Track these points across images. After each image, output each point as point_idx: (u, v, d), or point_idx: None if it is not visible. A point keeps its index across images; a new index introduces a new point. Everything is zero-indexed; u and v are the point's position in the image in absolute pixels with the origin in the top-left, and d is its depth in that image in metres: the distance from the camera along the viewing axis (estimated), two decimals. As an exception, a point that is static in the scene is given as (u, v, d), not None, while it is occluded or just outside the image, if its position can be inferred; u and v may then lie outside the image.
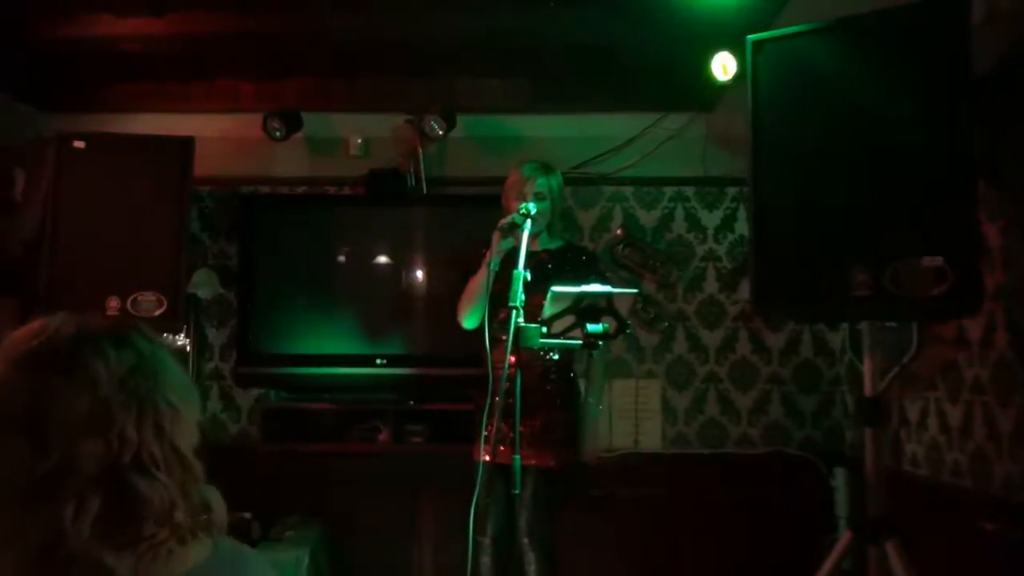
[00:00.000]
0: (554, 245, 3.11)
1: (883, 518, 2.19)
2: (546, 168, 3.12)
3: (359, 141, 4.16)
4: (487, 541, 2.83)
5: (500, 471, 2.69)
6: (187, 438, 0.96)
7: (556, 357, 2.97)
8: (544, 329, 2.34)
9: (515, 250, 2.70)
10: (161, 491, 0.90)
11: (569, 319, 2.36)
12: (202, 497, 0.96)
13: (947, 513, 2.83)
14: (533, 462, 2.81)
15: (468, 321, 3.02)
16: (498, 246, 2.76)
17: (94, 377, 0.89)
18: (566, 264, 3.03)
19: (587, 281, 2.93)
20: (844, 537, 2.24)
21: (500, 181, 4.06)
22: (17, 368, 0.89)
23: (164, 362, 0.97)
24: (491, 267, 2.73)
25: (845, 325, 3.64)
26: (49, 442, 0.86)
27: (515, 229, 2.71)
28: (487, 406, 2.75)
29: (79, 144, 3.29)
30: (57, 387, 0.88)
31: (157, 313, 3.23)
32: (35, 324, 0.94)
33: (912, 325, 2.88)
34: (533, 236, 2.91)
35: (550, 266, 3.01)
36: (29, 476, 0.85)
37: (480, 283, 2.93)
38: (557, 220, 3.14)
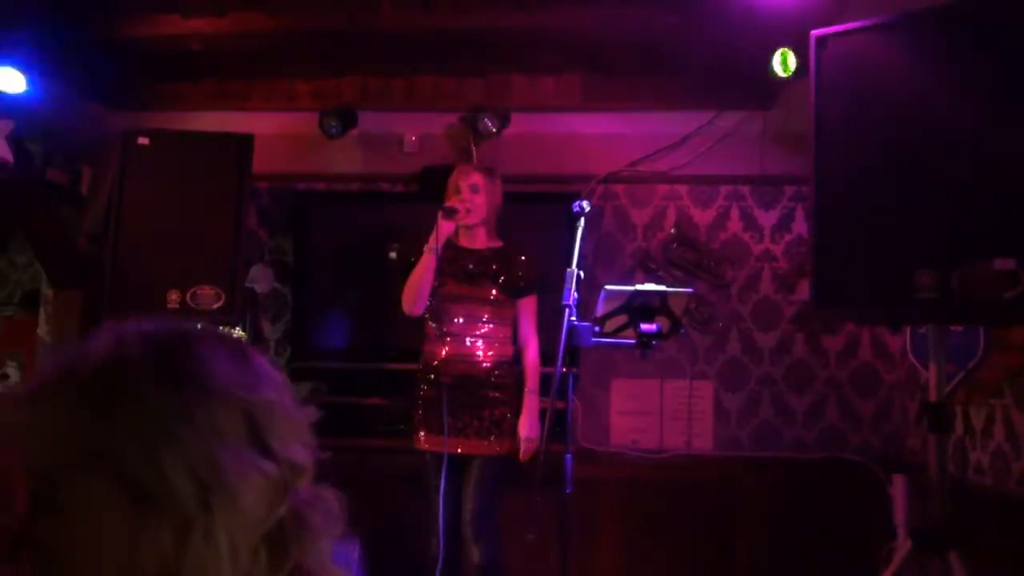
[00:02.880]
0: (495, 243, 3.15)
1: (946, 527, 2.12)
2: (487, 168, 3.23)
3: (413, 138, 4.19)
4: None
5: (450, 461, 2.88)
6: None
7: (497, 353, 3.02)
8: (597, 328, 2.33)
9: (446, 241, 2.98)
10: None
11: (622, 318, 2.34)
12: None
13: (1013, 523, 2.74)
14: (480, 452, 2.90)
15: (415, 308, 3.04)
16: (441, 230, 2.92)
17: (284, 386, 0.81)
18: (506, 261, 3.07)
19: (523, 280, 3.00)
20: (904, 546, 2.18)
21: (553, 179, 4.09)
22: (224, 393, 0.74)
23: None
24: (433, 252, 2.92)
25: (906, 329, 3.56)
26: (280, 463, 0.75)
27: (454, 213, 2.92)
28: (419, 397, 2.96)
29: (143, 141, 3.38)
30: (275, 404, 0.77)
31: (215, 306, 3.31)
32: (165, 333, 0.78)
33: (978, 330, 2.80)
34: (472, 232, 3.06)
35: (493, 264, 3.06)
36: (280, 504, 0.74)
37: (426, 268, 2.98)
38: (494, 218, 3.16)
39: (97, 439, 0.69)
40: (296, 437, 0.77)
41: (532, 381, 3.01)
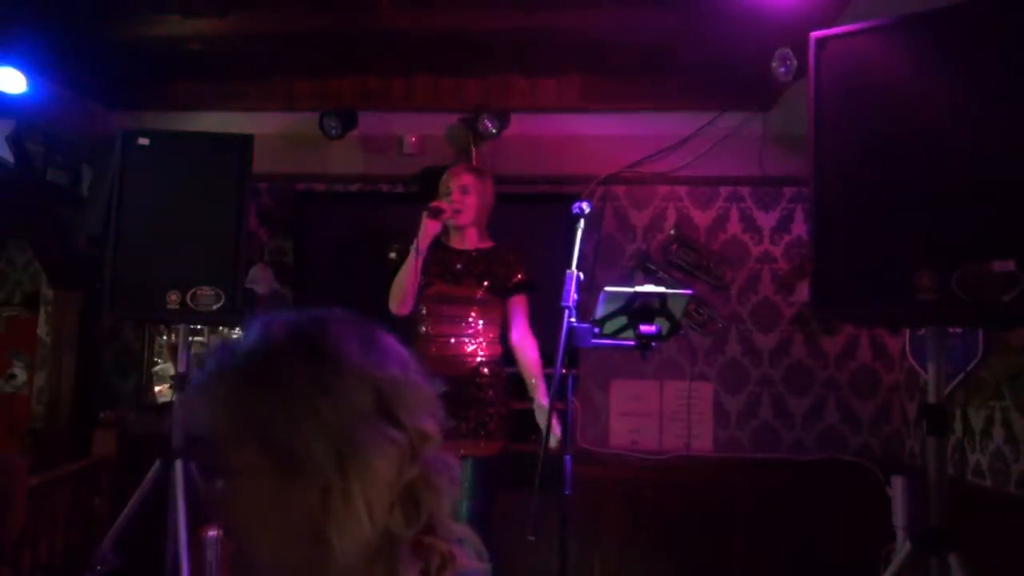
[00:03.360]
0: (485, 244, 3.13)
1: (946, 529, 2.12)
2: (477, 170, 3.21)
3: (413, 139, 4.19)
4: None
5: None
6: None
7: (486, 354, 3.00)
8: (596, 330, 2.33)
9: (435, 241, 2.98)
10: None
11: (621, 319, 2.34)
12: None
13: (1012, 525, 2.74)
14: (470, 453, 2.87)
15: (401, 308, 3.03)
16: (426, 230, 2.91)
17: (412, 363, 0.91)
18: (494, 262, 3.06)
19: (510, 279, 3.00)
20: (904, 548, 2.18)
21: (552, 180, 4.10)
22: (355, 372, 0.84)
23: None
24: (418, 251, 2.92)
25: (905, 330, 3.56)
26: (408, 431, 0.84)
27: (439, 213, 2.90)
28: None
29: (143, 141, 3.37)
30: (400, 380, 0.87)
31: (215, 307, 3.30)
32: (306, 320, 0.89)
33: (978, 331, 2.80)
34: (464, 232, 3.05)
35: (481, 265, 3.05)
36: (409, 467, 0.84)
37: (411, 268, 2.98)
38: (485, 219, 3.14)
39: (249, 412, 0.81)
40: (423, 408, 0.87)
41: (538, 375, 2.97)
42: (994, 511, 2.84)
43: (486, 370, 2.99)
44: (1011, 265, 1.90)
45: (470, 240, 3.11)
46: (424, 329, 3.05)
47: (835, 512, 3.75)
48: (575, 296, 2.32)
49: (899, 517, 3.54)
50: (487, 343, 3.03)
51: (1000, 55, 1.97)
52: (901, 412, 3.94)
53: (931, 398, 2.20)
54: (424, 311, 3.06)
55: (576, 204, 2.42)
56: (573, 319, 2.31)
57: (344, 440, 0.80)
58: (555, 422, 2.76)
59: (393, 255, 4.14)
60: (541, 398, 2.92)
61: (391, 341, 0.90)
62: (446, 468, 0.87)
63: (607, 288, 2.32)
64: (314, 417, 0.80)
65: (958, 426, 3.16)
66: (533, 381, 2.96)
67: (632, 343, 2.33)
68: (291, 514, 0.80)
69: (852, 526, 3.68)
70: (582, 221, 2.42)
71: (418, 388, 0.88)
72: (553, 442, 2.76)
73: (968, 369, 2.78)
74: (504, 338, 3.11)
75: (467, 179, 3.07)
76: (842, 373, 4.02)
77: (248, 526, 0.82)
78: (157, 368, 4.35)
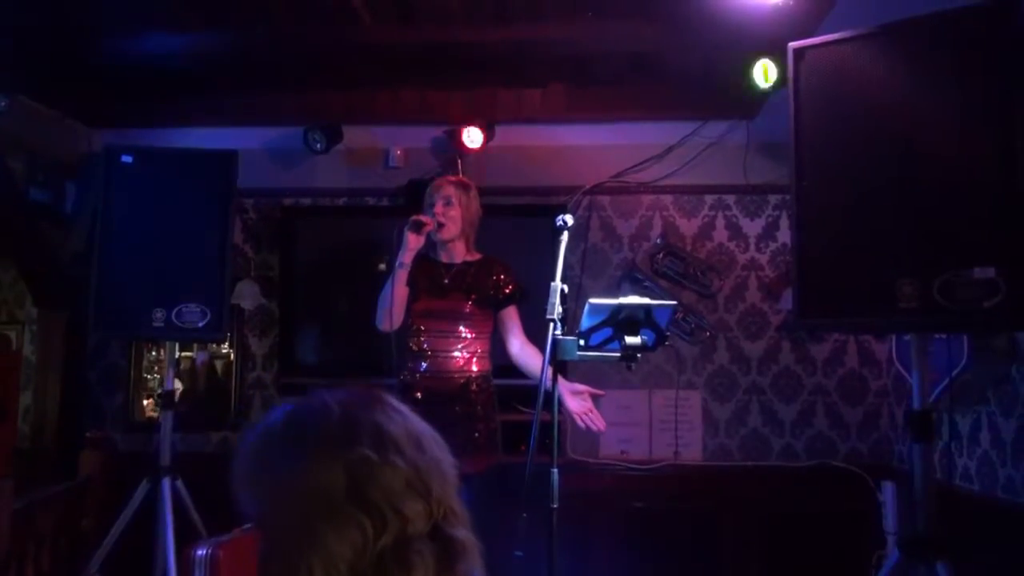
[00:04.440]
0: (472, 257, 3.11)
1: (933, 537, 2.12)
2: (462, 182, 3.16)
3: (399, 152, 4.19)
4: None
5: None
6: (455, 484, 1.01)
7: (476, 368, 2.98)
8: (581, 342, 2.33)
9: (422, 255, 2.97)
10: (468, 538, 0.95)
11: (607, 331, 2.33)
12: None
13: (1000, 530, 2.74)
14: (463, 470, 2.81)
15: (386, 324, 2.98)
16: (408, 244, 2.89)
17: (398, 443, 0.92)
18: (481, 275, 3.04)
19: (499, 292, 2.99)
20: (892, 557, 2.18)
21: (538, 191, 4.10)
22: (324, 453, 0.89)
23: (418, 418, 1.01)
24: (401, 266, 2.90)
25: (892, 335, 3.57)
26: (383, 514, 0.87)
27: (421, 227, 2.88)
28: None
29: (127, 158, 3.37)
30: (373, 461, 0.89)
31: (201, 324, 3.29)
32: (287, 408, 0.96)
33: (963, 336, 2.81)
34: (450, 246, 3.03)
35: (468, 278, 3.03)
36: (372, 553, 0.86)
37: (395, 283, 2.95)
38: (471, 232, 3.12)
39: (243, 478, 0.92)
40: (403, 492, 0.90)
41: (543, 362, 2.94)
42: (982, 516, 2.85)
43: (475, 386, 2.97)
44: (991, 272, 1.91)
45: (457, 253, 3.09)
46: (413, 345, 3.04)
47: (826, 519, 3.75)
48: (559, 308, 2.31)
49: (889, 523, 3.55)
50: (477, 358, 3.01)
51: (976, 63, 1.99)
52: (890, 417, 3.95)
53: (916, 405, 2.21)
54: (413, 326, 3.04)
55: (559, 217, 2.42)
56: (558, 332, 2.31)
57: (300, 519, 0.86)
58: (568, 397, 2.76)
59: (383, 267, 4.14)
60: (562, 394, 2.84)
61: (424, 429, 0.97)
62: (424, 552, 0.89)
63: (591, 300, 2.31)
64: (281, 494, 0.88)
65: (945, 431, 3.17)
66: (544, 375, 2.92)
67: (617, 355, 2.33)
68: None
69: (843, 532, 3.67)
70: (565, 234, 2.42)
71: (398, 472, 0.90)
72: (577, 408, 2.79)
73: (954, 374, 2.78)
74: (494, 353, 3.10)
75: (450, 191, 3.05)
76: (830, 379, 4.03)
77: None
78: (149, 382, 4.33)
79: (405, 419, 0.96)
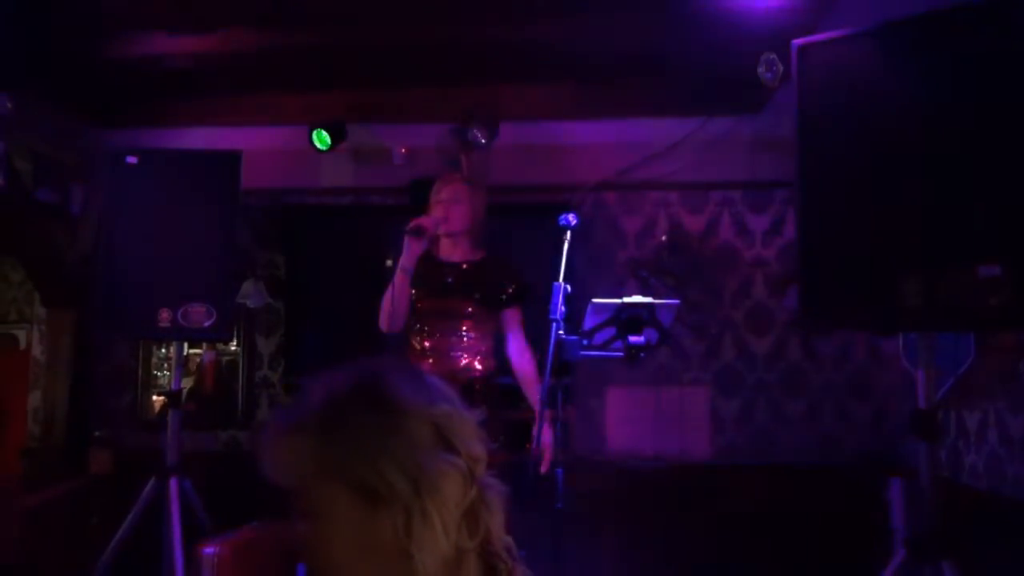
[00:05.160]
0: (476, 256, 3.09)
1: (939, 536, 2.11)
2: (469, 180, 3.14)
3: (403, 151, 4.19)
4: None
5: None
6: None
7: (479, 367, 2.97)
8: (585, 341, 2.32)
9: (426, 254, 2.95)
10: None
11: (610, 330, 2.33)
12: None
13: (1008, 527, 2.73)
14: None
15: (392, 327, 2.99)
16: (409, 249, 2.87)
17: (448, 396, 1.01)
18: (484, 274, 3.02)
19: (503, 292, 2.97)
20: (899, 554, 2.17)
21: (543, 188, 4.09)
22: (414, 410, 0.96)
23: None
24: (403, 271, 2.89)
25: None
26: (465, 457, 0.96)
27: (422, 232, 2.86)
28: None
29: (132, 160, 3.38)
30: (451, 412, 0.98)
31: (207, 324, 3.29)
32: (344, 374, 1.00)
33: (970, 334, 2.79)
34: (455, 244, 3.01)
35: (471, 278, 3.01)
36: (470, 491, 0.96)
37: (398, 287, 2.95)
38: (477, 230, 3.10)
39: (330, 458, 0.93)
40: (471, 435, 0.99)
41: (537, 392, 2.92)
42: (990, 513, 2.83)
43: (479, 385, 2.97)
44: (995, 270, 1.90)
45: (461, 252, 3.08)
46: (416, 344, 3.03)
47: (834, 515, 3.73)
48: (562, 308, 2.31)
49: (897, 519, 3.54)
50: (480, 356, 3.00)
51: (979, 59, 1.97)
52: (898, 413, 3.93)
53: (921, 403, 2.20)
54: (416, 326, 3.04)
55: (563, 216, 2.42)
56: (561, 332, 2.31)
57: (416, 470, 0.93)
58: (545, 436, 2.73)
59: (390, 262, 4.14)
60: (539, 415, 2.86)
61: (435, 380, 1.03)
62: (495, 486, 1.00)
63: (594, 300, 2.32)
64: (388, 454, 0.93)
65: (953, 428, 3.16)
66: (534, 398, 2.91)
67: (620, 354, 2.33)
68: (378, 540, 0.92)
69: (851, 529, 3.66)
70: (569, 233, 2.42)
71: (464, 418, 1.00)
72: (542, 454, 2.73)
73: (961, 372, 2.77)
74: (498, 351, 3.09)
75: (457, 188, 3.04)
76: (838, 375, 4.01)
77: (339, 560, 0.94)
78: (159, 379, 4.36)
79: (425, 376, 1.04)
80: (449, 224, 2.98)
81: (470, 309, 2.97)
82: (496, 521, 0.98)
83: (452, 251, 3.07)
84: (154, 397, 4.33)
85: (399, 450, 0.93)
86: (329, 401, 0.97)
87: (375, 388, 0.98)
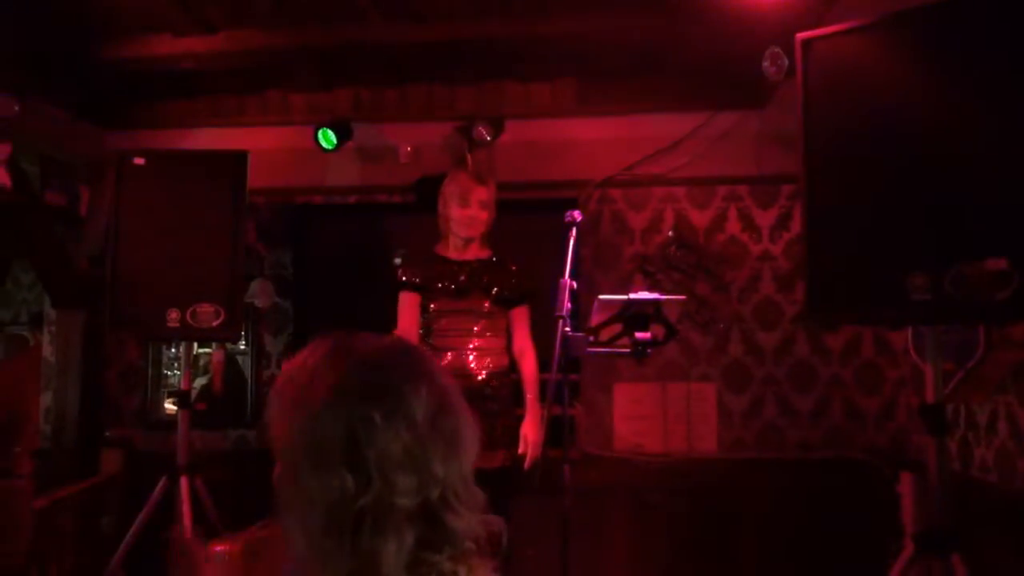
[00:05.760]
0: (485, 254, 3.11)
1: (948, 530, 2.10)
2: (487, 182, 3.13)
3: (408, 149, 4.20)
4: None
5: None
6: (471, 470, 1.01)
7: (492, 365, 2.98)
8: (591, 337, 2.33)
9: (432, 255, 3.06)
10: (466, 525, 0.95)
11: (617, 327, 2.33)
12: (489, 525, 0.99)
13: (1018, 521, 2.72)
14: (477, 465, 2.81)
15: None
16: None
17: (412, 413, 0.93)
18: (497, 272, 3.04)
19: (515, 290, 3.00)
20: (906, 550, 2.17)
21: (549, 185, 4.09)
22: (336, 406, 0.92)
23: (457, 398, 1.01)
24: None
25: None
26: (370, 475, 0.90)
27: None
28: None
29: (139, 161, 3.40)
30: (378, 422, 0.91)
31: (215, 324, 3.31)
32: (326, 346, 0.99)
33: (978, 327, 2.78)
34: (467, 243, 3.04)
35: (484, 276, 3.03)
36: (350, 508, 0.89)
37: (405, 311, 3.05)
38: (488, 230, 3.13)
39: (284, 412, 0.95)
40: (457, 465, 0.97)
41: (533, 390, 2.98)
42: (1000, 507, 2.82)
43: (495, 381, 2.98)
44: (1003, 263, 1.89)
45: (471, 250, 3.08)
46: (431, 342, 3.03)
47: (843, 510, 3.72)
48: (568, 305, 2.31)
49: (907, 513, 3.52)
50: (494, 354, 3.00)
51: (985, 51, 1.96)
52: (907, 407, 3.91)
53: (929, 397, 2.19)
54: (430, 325, 3.04)
55: (568, 213, 2.42)
56: (568, 328, 2.31)
57: (299, 463, 0.92)
58: (528, 432, 2.78)
59: (398, 260, 4.15)
60: (529, 413, 2.92)
61: (438, 395, 0.98)
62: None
63: (600, 296, 2.32)
64: (293, 435, 0.92)
65: (962, 421, 3.14)
66: (528, 396, 2.95)
67: (627, 350, 2.33)
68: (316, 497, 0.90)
69: (861, 524, 3.65)
70: (574, 230, 2.42)
71: (399, 439, 0.92)
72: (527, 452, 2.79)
73: (970, 365, 2.75)
74: (510, 348, 3.10)
75: (483, 193, 3.04)
76: (846, 370, 4.00)
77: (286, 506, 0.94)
78: (169, 379, 4.38)
79: (433, 389, 0.97)
80: (475, 228, 3.01)
81: (487, 307, 2.98)
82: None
83: (464, 251, 3.07)
84: (165, 399, 4.35)
85: (298, 435, 0.93)
86: (313, 360, 0.98)
87: (335, 366, 0.97)
